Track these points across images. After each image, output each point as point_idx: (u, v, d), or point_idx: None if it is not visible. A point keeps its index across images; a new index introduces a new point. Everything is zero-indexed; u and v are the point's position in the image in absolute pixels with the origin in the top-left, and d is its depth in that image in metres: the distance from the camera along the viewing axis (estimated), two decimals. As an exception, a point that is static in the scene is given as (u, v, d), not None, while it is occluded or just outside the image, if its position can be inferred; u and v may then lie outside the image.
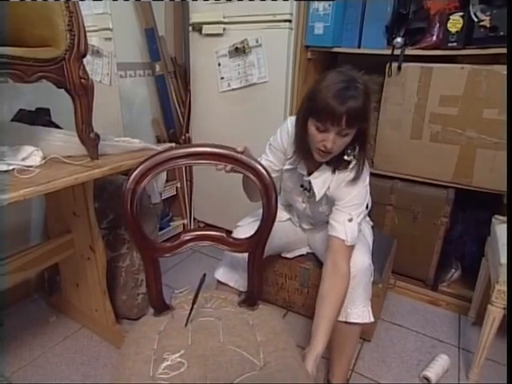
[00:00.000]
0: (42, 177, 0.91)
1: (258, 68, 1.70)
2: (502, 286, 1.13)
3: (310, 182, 1.12)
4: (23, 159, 0.96)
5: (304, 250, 1.40)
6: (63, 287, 1.51)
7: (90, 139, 1.03)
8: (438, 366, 1.28)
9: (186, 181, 2.11)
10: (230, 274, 1.22)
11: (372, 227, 1.35)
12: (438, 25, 1.41)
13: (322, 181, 1.08)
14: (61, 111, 1.37)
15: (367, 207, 1.33)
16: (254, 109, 1.77)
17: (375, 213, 1.52)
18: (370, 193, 1.41)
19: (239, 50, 1.70)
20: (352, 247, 1.05)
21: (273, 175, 1.18)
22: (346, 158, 1.02)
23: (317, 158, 1.03)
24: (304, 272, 1.43)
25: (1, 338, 1.37)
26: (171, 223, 2.12)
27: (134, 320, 1.46)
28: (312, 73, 1.77)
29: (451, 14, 1.35)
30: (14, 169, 0.92)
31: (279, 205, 1.31)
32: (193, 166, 1.94)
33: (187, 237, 0.95)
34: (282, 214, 1.30)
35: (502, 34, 1.25)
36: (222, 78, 1.81)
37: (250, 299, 0.98)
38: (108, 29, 1.62)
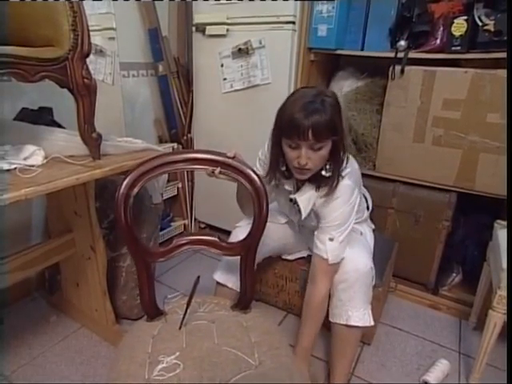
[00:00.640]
0: (43, 176, 0.91)
1: (261, 69, 1.70)
2: (503, 292, 1.12)
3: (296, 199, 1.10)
4: (25, 158, 0.96)
5: (305, 253, 1.40)
6: (64, 287, 1.51)
7: (92, 139, 1.03)
8: (438, 370, 1.28)
9: (187, 181, 2.11)
10: (229, 276, 1.22)
11: (373, 230, 1.34)
12: (441, 28, 1.41)
13: (307, 198, 1.06)
14: (63, 110, 1.38)
15: (368, 208, 1.33)
16: (256, 110, 1.77)
17: (376, 216, 1.51)
18: (372, 195, 1.41)
19: (242, 51, 1.70)
20: (335, 265, 1.06)
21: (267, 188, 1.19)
22: (323, 173, 1.00)
23: (297, 176, 1.02)
24: (304, 274, 1.42)
25: (1, 337, 1.37)
26: (172, 223, 2.12)
27: (134, 320, 1.45)
28: (315, 75, 1.77)
29: (455, 17, 1.35)
30: (15, 168, 0.92)
31: (277, 209, 1.32)
32: (184, 171, 1.97)
33: (180, 241, 0.96)
34: (279, 218, 1.29)
35: (506, 38, 1.25)
36: (225, 79, 1.81)
37: (242, 302, 0.99)
38: (111, 28, 1.62)
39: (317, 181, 1.03)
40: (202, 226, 2.23)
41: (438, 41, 1.42)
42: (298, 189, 1.10)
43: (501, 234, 1.30)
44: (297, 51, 1.64)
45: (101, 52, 1.67)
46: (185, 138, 2.04)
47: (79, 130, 1.02)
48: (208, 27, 1.77)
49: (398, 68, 1.49)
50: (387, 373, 1.31)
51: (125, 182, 0.85)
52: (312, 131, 0.89)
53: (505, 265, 1.12)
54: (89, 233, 1.26)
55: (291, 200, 1.14)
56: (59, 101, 1.31)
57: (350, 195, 1.03)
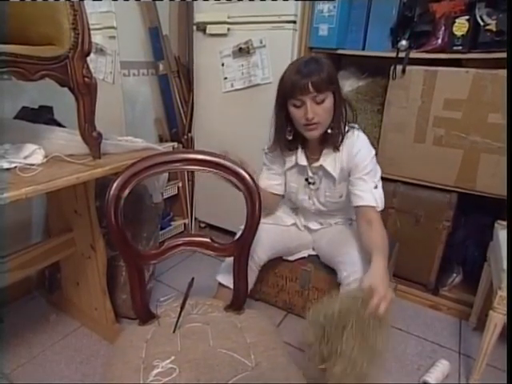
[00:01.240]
0: (43, 175, 0.91)
1: (262, 69, 1.69)
2: (504, 292, 1.12)
3: (313, 173, 1.16)
4: (25, 157, 0.96)
5: (306, 253, 1.40)
6: (64, 285, 1.51)
7: (92, 138, 1.03)
8: (439, 371, 1.28)
9: (188, 180, 2.10)
10: (232, 277, 1.21)
11: None
12: (443, 28, 1.40)
13: (332, 160, 1.12)
14: (63, 109, 1.37)
15: None
16: (256, 109, 1.76)
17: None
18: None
19: (243, 51, 1.70)
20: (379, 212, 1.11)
21: (279, 182, 1.20)
22: (329, 131, 1.07)
23: (308, 135, 1.07)
24: (305, 274, 1.42)
25: (1, 336, 1.37)
26: (172, 223, 2.11)
27: (133, 319, 1.45)
28: (316, 74, 1.76)
29: (457, 17, 1.34)
30: (16, 167, 0.92)
31: (285, 209, 1.32)
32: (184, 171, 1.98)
33: (172, 243, 0.96)
34: (286, 219, 1.30)
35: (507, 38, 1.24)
36: (226, 79, 1.80)
37: (236, 303, 0.99)
38: (112, 27, 1.62)
39: (329, 141, 1.10)
40: (202, 225, 2.23)
41: (440, 40, 1.41)
42: (310, 160, 1.15)
43: (501, 234, 1.30)
44: (298, 50, 1.63)
45: (101, 51, 1.66)
46: (185, 137, 2.04)
47: (79, 128, 1.02)
48: (209, 26, 1.77)
49: (399, 68, 1.49)
50: (387, 373, 1.31)
51: (115, 184, 0.84)
52: (312, 84, 0.97)
53: (505, 265, 1.12)
54: (89, 232, 1.26)
55: (306, 180, 1.18)
56: (59, 100, 1.31)
57: (369, 145, 1.12)
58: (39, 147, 1.00)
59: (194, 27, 1.83)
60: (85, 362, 1.30)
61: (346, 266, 1.09)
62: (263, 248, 1.22)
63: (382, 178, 1.63)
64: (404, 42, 1.45)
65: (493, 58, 1.30)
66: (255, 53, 1.68)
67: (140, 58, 1.91)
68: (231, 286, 1.21)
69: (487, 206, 1.53)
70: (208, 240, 0.97)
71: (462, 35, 1.33)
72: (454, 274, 1.70)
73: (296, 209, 1.34)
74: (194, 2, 1.81)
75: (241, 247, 0.96)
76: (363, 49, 1.59)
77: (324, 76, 0.98)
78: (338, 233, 1.26)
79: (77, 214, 1.27)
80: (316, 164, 1.14)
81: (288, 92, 1.02)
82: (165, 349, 0.83)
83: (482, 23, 1.29)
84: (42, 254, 1.24)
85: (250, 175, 0.91)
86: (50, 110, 1.37)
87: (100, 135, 1.05)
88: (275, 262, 1.47)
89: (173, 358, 0.80)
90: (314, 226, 1.31)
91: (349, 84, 1.72)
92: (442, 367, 1.29)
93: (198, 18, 1.80)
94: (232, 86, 1.80)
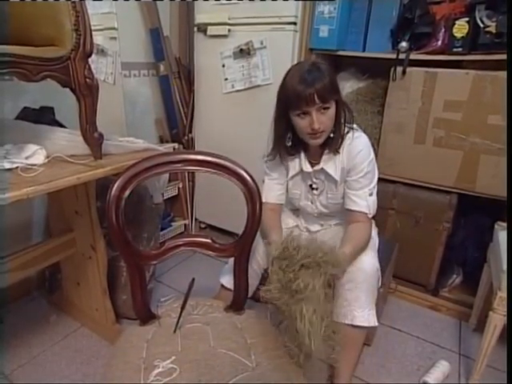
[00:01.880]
0: (45, 176, 0.91)
1: (262, 70, 1.70)
2: (504, 293, 1.12)
3: (315, 178, 1.16)
4: (27, 157, 0.97)
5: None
6: (64, 286, 1.51)
7: (93, 139, 1.04)
8: (438, 371, 1.28)
9: (188, 181, 2.11)
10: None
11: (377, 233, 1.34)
12: (443, 30, 1.41)
13: (333, 164, 1.12)
14: (65, 110, 1.38)
15: None
16: (257, 110, 1.77)
17: (377, 217, 1.50)
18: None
19: (244, 52, 1.70)
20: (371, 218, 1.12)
21: (282, 191, 1.21)
22: (331, 135, 1.07)
23: (312, 142, 1.07)
24: (305, 275, 1.42)
25: (1, 336, 1.37)
26: (172, 223, 2.12)
27: (134, 320, 1.45)
28: (316, 75, 1.77)
29: (457, 19, 1.35)
30: (17, 167, 0.93)
31: (286, 211, 1.32)
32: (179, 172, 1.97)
33: (173, 244, 0.96)
34: (288, 221, 1.30)
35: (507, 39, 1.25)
36: (226, 79, 1.81)
37: (236, 304, 0.99)
38: (113, 28, 1.62)
39: (329, 145, 1.09)
40: (203, 226, 2.23)
41: (440, 42, 1.42)
42: (312, 165, 1.15)
43: (501, 235, 1.30)
44: (298, 52, 1.64)
45: (102, 52, 1.67)
46: (186, 138, 2.04)
47: (81, 129, 1.02)
48: (209, 27, 1.77)
49: (399, 69, 1.49)
50: (387, 374, 1.31)
51: (116, 184, 0.84)
52: (317, 95, 0.96)
53: (505, 266, 1.12)
54: (89, 232, 1.26)
55: (310, 186, 1.18)
56: (60, 100, 1.31)
57: (369, 147, 1.10)
58: (41, 147, 1.01)
59: (195, 28, 1.84)
60: (85, 362, 1.30)
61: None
62: (262, 250, 1.22)
63: (382, 179, 1.64)
64: (404, 44, 1.46)
65: (493, 60, 1.31)
66: (256, 54, 1.69)
67: (141, 58, 1.92)
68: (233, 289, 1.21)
69: (487, 207, 1.53)
70: (208, 240, 0.98)
71: (462, 37, 1.34)
72: (454, 275, 1.70)
73: (297, 210, 1.34)
74: (195, 2, 1.81)
75: (241, 248, 0.96)
76: (363, 50, 1.60)
77: (328, 85, 0.97)
78: (337, 233, 1.26)
79: (77, 214, 1.28)
80: (317, 167, 1.14)
81: (292, 103, 1.00)
82: (165, 349, 0.83)
83: (481, 25, 1.30)
84: (42, 254, 1.24)
85: (250, 176, 0.91)
86: (51, 110, 1.37)
87: (101, 136, 1.05)
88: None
89: (173, 358, 0.80)
90: (314, 227, 1.31)
91: (349, 85, 1.73)
92: (441, 368, 1.29)
93: (199, 19, 1.81)
94: (232, 86, 1.80)
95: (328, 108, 1.00)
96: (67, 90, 0.97)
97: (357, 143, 1.09)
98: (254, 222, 0.93)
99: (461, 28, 1.33)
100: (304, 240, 0.94)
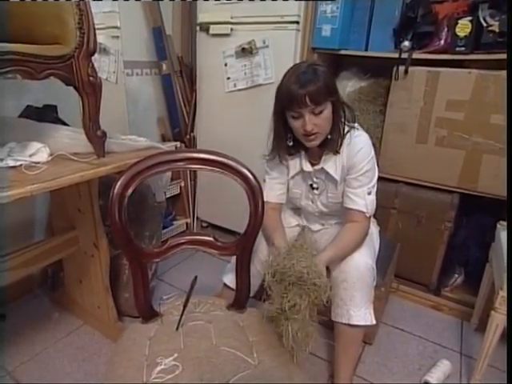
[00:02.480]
0: (48, 173, 0.92)
1: (265, 69, 1.70)
2: (505, 293, 1.12)
3: (316, 178, 1.16)
4: (31, 155, 0.97)
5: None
6: (66, 283, 1.52)
7: (96, 137, 1.04)
8: (440, 371, 1.28)
9: (190, 180, 2.11)
10: None
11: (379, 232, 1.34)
12: (446, 29, 1.41)
13: (333, 163, 1.12)
14: (67, 108, 1.38)
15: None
16: (259, 109, 1.77)
17: (379, 216, 1.50)
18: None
19: (246, 51, 1.70)
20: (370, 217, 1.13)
21: (283, 191, 1.22)
22: (329, 137, 1.06)
23: (308, 144, 1.06)
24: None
25: (3, 333, 1.37)
26: (174, 222, 2.12)
27: (136, 318, 1.45)
28: (318, 75, 1.77)
29: (460, 18, 1.34)
30: (21, 165, 0.93)
31: (288, 210, 1.32)
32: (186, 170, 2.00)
33: (175, 242, 0.96)
34: (290, 220, 1.30)
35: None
36: (228, 78, 1.81)
37: (238, 302, 0.99)
38: (116, 27, 1.63)
39: (328, 146, 1.09)
40: (204, 224, 2.23)
41: (442, 41, 1.42)
42: (312, 164, 1.15)
43: (503, 235, 1.30)
44: (300, 51, 1.64)
45: (105, 50, 1.67)
46: (188, 136, 2.05)
47: (84, 127, 1.03)
48: (212, 26, 1.77)
49: (401, 68, 1.49)
50: (388, 373, 1.31)
51: (119, 182, 0.85)
52: (309, 97, 0.95)
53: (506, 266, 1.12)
54: (92, 230, 1.27)
55: (311, 185, 1.18)
56: (63, 99, 1.32)
57: (370, 146, 1.09)
58: (44, 145, 1.01)
59: (197, 27, 1.84)
60: (87, 359, 1.30)
61: (341, 264, 1.09)
62: (264, 248, 1.22)
63: (384, 179, 1.65)
64: (407, 43, 1.46)
65: (495, 59, 1.31)
66: (258, 53, 1.69)
67: (143, 57, 1.92)
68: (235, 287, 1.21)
69: (489, 207, 1.53)
70: (211, 239, 0.98)
71: (465, 36, 1.34)
72: (456, 275, 1.70)
73: (298, 210, 1.34)
74: (197, 2, 1.81)
75: (243, 246, 0.96)
76: (366, 49, 1.59)
77: (321, 88, 0.96)
78: (337, 233, 1.26)
79: (80, 212, 1.28)
80: (317, 167, 1.14)
81: (285, 103, 1.01)
82: (168, 346, 0.84)
83: (484, 24, 1.30)
84: (44, 252, 1.24)
85: (252, 174, 0.91)
86: (54, 108, 1.37)
87: (104, 134, 1.06)
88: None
89: (176, 355, 0.80)
90: (315, 227, 1.31)
91: (351, 85, 1.73)
92: (443, 367, 1.29)
93: (201, 18, 1.81)
94: (235, 86, 1.80)
95: (322, 111, 0.99)
96: (70, 88, 0.98)
97: (357, 142, 1.08)
98: (257, 220, 0.93)
99: (464, 27, 1.33)
100: (305, 250, 0.96)
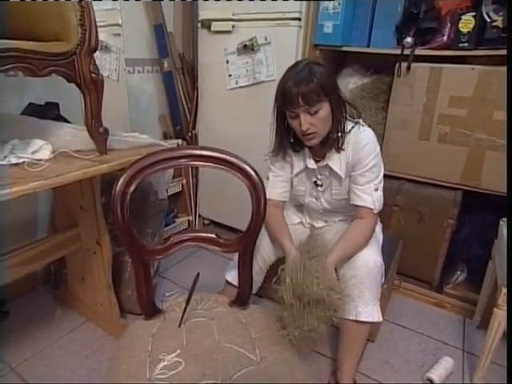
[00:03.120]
0: (51, 170, 0.92)
1: (266, 66, 1.69)
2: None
3: (320, 174, 1.16)
4: (33, 152, 0.97)
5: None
6: (69, 281, 1.52)
7: (99, 134, 1.04)
8: (442, 368, 1.28)
9: (192, 177, 2.11)
10: None
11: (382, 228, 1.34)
12: (449, 25, 1.40)
13: (337, 160, 1.11)
14: (69, 106, 1.38)
15: None
16: (261, 107, 1.76)
17: (381, 213, 1.50)
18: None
19: (248, 48, 1.70)
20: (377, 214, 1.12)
21: (287, 189, 1.21)
22: (330, 135, 1.06)
23: (307, 143, 1.06)
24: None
25: (7, 330, 1.38)
26: (176, 220, 2.12)
27: (138, 315, 1.46)
28: (320, 71, 1.76)
29: (463, 13, 1.34)
30: (24, 162, 0.93)
31: (291, 208, 1.32)
32: (188, 167, 2.00)
33: (177, 239, 0.96)
34: (293, 218, 1.30)
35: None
36: (230, 76, 1.81)
37: (240, 299, 0.99)
38: (117, 24, 1.63)
39: (330, 145, 1.08)
40: (206, 222, 2.23)
41: (445, 37, 1.41)
42: (316, 161, 1.14)
43: (506, 232, 1.29)
44: (302, 48, 1.63)
45: (106, 48, 1.67)
46: (189, 134, 2.05)
47: (86, 124, 1.03)
48: (213, 23, 1.77)
49: (404, 65, 1.48)
50: (391, 370, 1.31)
51: (121, 179, 0.85)
52: (301, 97, 0.95)
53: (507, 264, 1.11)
54: (94, 227, 1.27)
55: (315, 182, 1.17)
56: (65, 96, 1.32)
57: (375, 141, 1.09)
58: (46, 143, 1.01)
59: (199, 24, 1.84)
60: (90, 356, 1.31)
61: (350, 261, 1.09)
62: (271, 247, 1.22)
63: (386, 176, 1.63)
64: (409, 39, 1.45)
65: (499, 55, 1.30)
66: (260, 50, 1.68)
67: (144, 55, 1.92)
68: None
69: (492, 204, 1.52)
70: (213, 236, 0.98)
71: (468, 32, 1.33)
72: (458, 272, 1.69)
73: (301, 207, 1.34)
74: (199, -1, 1.81)
75: (246, 243, 0.96)
76: (368, 46, 1.59)
77: (314, 88, 0.95)
78: (341, 230, 1.26)
79: (83, 209, 1.28)
80: (322, 164, 1.13)
81: (281, 102, 1.02)
82: (170, 343, 0.84)
83: (488, 20, 1.29)
84: (47, 249, 1.25)
85: (254, 171, 0.91)
86: (56, 106, 1.37)
87: (106, 131, 1.06)
88: (281, 259, 1.47)
89: (178, 351, 0.81)
90: (318, 224, 1.31)
91: (353, 81, 1.72)
92: (445, 364, 1.29)
93: (203, 15, 1.80)
94: (236, 83, 1.80)
95: (317, 111, 0.98)
96: (72, 85, 0.98)
97: (362, 137, 1.07)
98: (259, 217, 0.93)
99: (467, 23, 1.32)
100: (318, 259, 0.96)
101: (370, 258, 1.06)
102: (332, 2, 1.54)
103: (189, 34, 2.04)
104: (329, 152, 1.11)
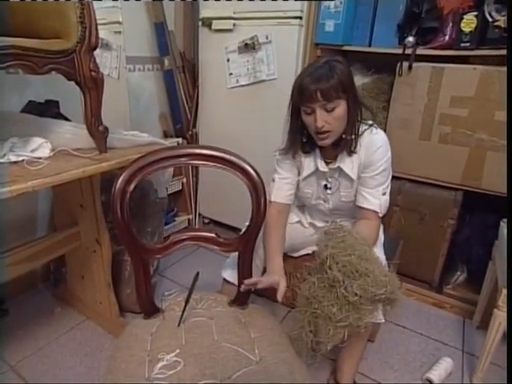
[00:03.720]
0: (50, 169, 0.92)
1: (267, 65, 1.69)
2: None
3: (330, 177, 1.14)
4: (32, 151, 0.97)
5: (310, 249, 1.39)
6: (68, 279, 1.52)
7: (98, 132, 1.04)
8: (442, 368, 1.28)
9: (192, 176, 2.11)
10: (237, 273, 1.21)
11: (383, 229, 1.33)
12: (451, 24, 1.40)
13: (350, 162, 1.09)
14: (69, 104, 1.38)
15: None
16: (261, 105, 1.76)
17: (382, 213, 1.51)
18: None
19: (249, 46, 1.69)
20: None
21: (292, 191, 1.19)
22: (343, 136, 1.04)
23: (320, 143, 1.04)
24: (309, 270, 1.42)
25: (6, 328, 1.38)
26: (176, 218, 2.12)
27: (137, 314, 1.46)
28: (321, 71, 1.76)
29: (465, 13, 1.33)
30: (23, 160, 0.93)
31: (293, 208, 1.31)
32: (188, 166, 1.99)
33: (177, 238, 0.96)
34: (292, 217, 1.29)
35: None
36: (231, 74, 1.80)
37: (240, 298, 0.99)
38: (118, 22, 1.62)
39: (343, 147, 1.06)
40: (206, 221, 2.23)
41: (447, 37, 1.41)
42: (327, 163, 1.12)
43: (506, 232, 1.29)
44: (303, 47, 1.63)
45: (107, 46, 1.67)
46: (190, 133, 2.04)
47: (86, 122, 1.02)
48: (214, 22, 1.76)
49: (405, 64, 1.48)
50: (390, 370, 1.31)
51: (121, 178, 0.84)
52: (320, 92, 0.93)
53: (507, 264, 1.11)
54: (94, 226, 1.27)
55: (325, 186, 1.16)
56: (65, 94, 1.32)
57: (388, 145, 1.07)
58: (46, 141, 1.01)
59: (200, 23, 1.83)
60: (89, 354, 1.31)
61: None
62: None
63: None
64: (411, 39, 1.44)
65: (501, 55, 1.29)
66: (261, 48, 1.68)
67: (145, 53, 1.91)
68: (236, 283, 1.21)
69: (493, 205, 1.52)
70: (213, 235, 0.98)
71: (470, 31, 1.32)
72: (458, 273, 1.69)
73: (302, 206, 1.33)
74: (200, -4, 1.80)
75: (246, 242, 0.96)
76: (369, 45, 1.58)
77: (334, 84, 0.93)
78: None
79: (82, 208, 1.28)
80: (333, 166, 1.11)
81: (298, 97, 0.99)
82: (170, 342, 0.84)
83: (490, 19, 1.28)
84: (47, 247, 1.25)
85: (255, 170, 0.91)
86: (56, 104, 1.37)
87: (106, 129, 1.05)
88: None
89: (178, 351, 0.80)
90: (320, 223, 1.31)
91: (354, 81, 1.71)
92: (445, 365, 1.29)
93: (204, 13, 1.80)
94: (237, 81, 1.79)
95: (334, 108, 0.96)
96: (72, 83, 0.97)
97: (376, 139, 1.06)
98: (259, 217, 0.93)
99: (469, 22, 1.31)
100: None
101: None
102: (333, 1, 1.53)
103: (190, 32, 2.04)
104: (340, 154, 1.09)
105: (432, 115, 1.48)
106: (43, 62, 0.86)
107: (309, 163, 1.14)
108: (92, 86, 0.97)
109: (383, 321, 1.09)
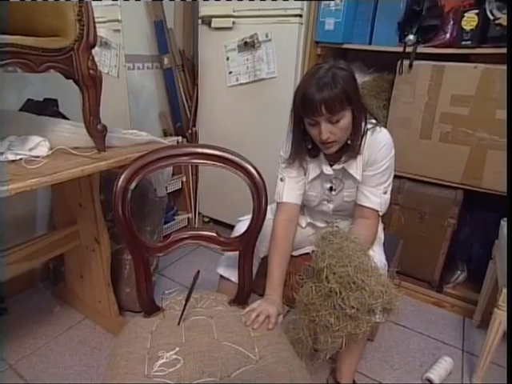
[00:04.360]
0: (48, 167, 0.91)
1: (267, 63, 1.68)
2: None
3: (335, 179, 1.13)
4: (30, 149, 0.96)
5: (309, 249, 1.38)
6: (68, 278, 1.52)
7: (97, 131, 1.03)
8: (442, 368, 1.27)
9: (192, 175, 2.10)
10: (232, 270, 1.21)
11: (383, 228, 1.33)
12: (451, 22, 1.39)
13: (354, 162, 1.08)
14: (68, 102, 1.38)
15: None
16: (261, 104, 1.76)
17: (382, 212, 1.50)
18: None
19: (248, 45, 1.69)
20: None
21: (301, 192, 1.17)
22: (348, 142, 1.02)
23: (325, 151, 1.03)
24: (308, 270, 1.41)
25: (5, 326, 1.38)
26: (176, 217, 2.12)
27: (137, 313, 1.46)
28: (321, 69, 1.75)
29: (466, 11, 1.32)
30: (21, 159, 0.93)
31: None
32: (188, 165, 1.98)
33: (178, 236, 0.96)
34: (301, 221, 1.28)
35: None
36: (231, 73, 1.79)
37: (240, 297, 0.99)
38: (117, 20, 1.61)
39: (348, 151, 1.05)
40: (206, 219, 2.23)
41: (448, 35, 1.40)
42: (331, 165, 1.11)
43: (506, 232, 1.28)
44: (303, 45, 1.62)
45: (106, 44, 1.66)
46: (189, 131, 2.04)
47: (84, 121, 1.02)
48: (214, 20, 1.76)
49: (406, 63, 1.47)
50: (390, 369, 1.31)
51: (122, 176, 0.84)
52: (325, 105, 0.90)
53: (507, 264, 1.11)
54: (93, 225, 1.27)
55: (331, 188, 1.15)
56: (64, 92, 1.31)
57: (391, 143, 1.05)
58: (44, 139, 1.00)
59: (199, 21, 1.82)
60: (89, 353, 1.31)
61: None
62: (265, 242, 1.22)
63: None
64: (411, 37, 1.43)
65: (502, 53, 1.28)
66: (260, 47, 1.67)
67: (145, 51, 1.91)
68: (232, 279, 1.21)
69: (493, 204, 1.51)
70: (214, 234, 0.97)
71: (471, 29, 1.31)
72: (459, 272, 1.69)
73: (302, 207, 1.32)
74: (200, -5, 1.79)
75: (246, 242, 0.95)
76: (370, 43, 1.57)
77: (338, 96, 0.90)
78: (345, 228, 1.25)
79: (81, 206, 1.28)
80: (337, 167, 1.10)
81: (301, 109, 0.96)
82: (169, 340, 0.84)
83: (491, 17, 1.27)
84: (46, 246, 1.25)
85: (256, 170, 0.90)
86: (54, 102, 1.37)
87: (105, 128, 1.05)
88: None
89: (177, 349, 0.80)
90: (319, 223, 1.30)
91: (355, 79, 1.70)
92: (445, 364, 1.29)
93: (204, 11, 1.79)
94: (237, 80, 1.79)
95: (339, 120, 0.94)
96: (71, 81, 0.97)
97: (380, 137, 1.04)
98: (260, 216, 0.92)
99: (470, 20, 1.30)
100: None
101: (376, 259, 1.05)
102: (333, -1, 1.52)
103: (189, 30, 2.03)
104: (345, 156, 1.08)
105: (432, 114, 1.48)
106: (41, 60, 0.86)
107: (314, 167, 1.13)
108: (90, 84, 0.97)
109: (383, 320, 1.08)
